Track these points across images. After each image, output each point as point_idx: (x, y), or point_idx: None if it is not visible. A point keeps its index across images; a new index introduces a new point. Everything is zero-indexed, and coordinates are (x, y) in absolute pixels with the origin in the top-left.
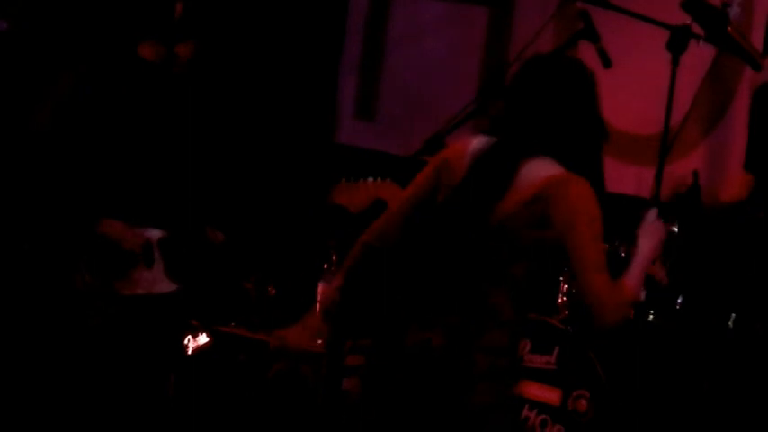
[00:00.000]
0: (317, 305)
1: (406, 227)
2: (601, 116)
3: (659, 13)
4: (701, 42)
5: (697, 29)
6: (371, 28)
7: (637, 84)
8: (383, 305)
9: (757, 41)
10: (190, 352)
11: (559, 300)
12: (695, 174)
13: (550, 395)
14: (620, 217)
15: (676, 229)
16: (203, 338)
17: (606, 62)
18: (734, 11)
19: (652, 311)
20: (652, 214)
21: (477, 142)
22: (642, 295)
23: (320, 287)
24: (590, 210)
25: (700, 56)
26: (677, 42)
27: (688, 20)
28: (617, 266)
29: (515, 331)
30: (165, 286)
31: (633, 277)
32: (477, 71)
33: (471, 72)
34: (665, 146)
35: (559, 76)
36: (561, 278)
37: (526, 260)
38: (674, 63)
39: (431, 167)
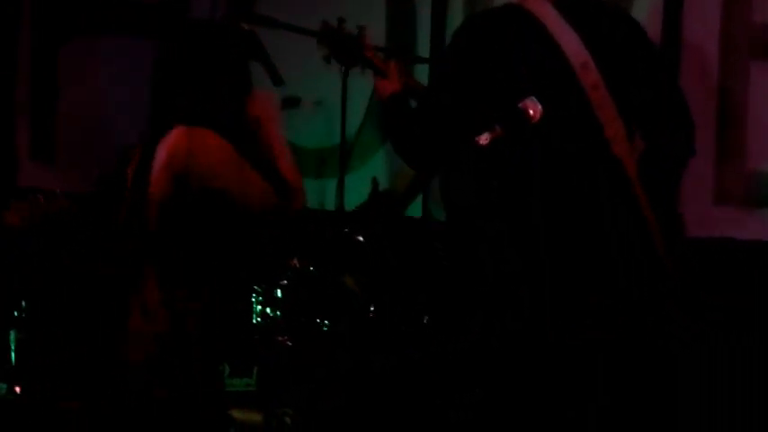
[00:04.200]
0: None
1: None
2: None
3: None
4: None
5: None
6: (39, 68)
7: (312, 99)
8: None
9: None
10: None
11: (255, 320)
12: (374, 181)
13: (253, 417)
14: (306, 231)
15: (362, 239)
16: None
17: (277, 80)
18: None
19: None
20: None
21: None
22: None
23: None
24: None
25: None
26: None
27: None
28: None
29: None
30: None
31: None
32: (147, 102)
33: (141, 103)
34: (344, 156)
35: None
36: (254, 300)
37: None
38: (345, 74)
39: None
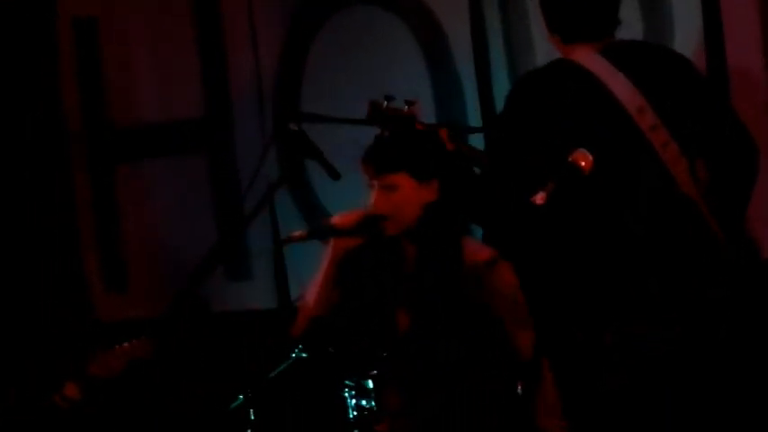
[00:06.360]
0: None
1: None
2: None
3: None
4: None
5: None
6: (100, 200)
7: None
8: None
9: None
10: None
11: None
12: None
13: None
14: None
15: None
16: None
17: (333, 174)
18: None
19: None
20: None
21: None
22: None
23: None
24: None
25: None
26: None
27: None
28: None
29: None
30: None
31: None
32: (211, 218)
33: (205, 220)
34: None
35: None
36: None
37: None
38: None
39: None
